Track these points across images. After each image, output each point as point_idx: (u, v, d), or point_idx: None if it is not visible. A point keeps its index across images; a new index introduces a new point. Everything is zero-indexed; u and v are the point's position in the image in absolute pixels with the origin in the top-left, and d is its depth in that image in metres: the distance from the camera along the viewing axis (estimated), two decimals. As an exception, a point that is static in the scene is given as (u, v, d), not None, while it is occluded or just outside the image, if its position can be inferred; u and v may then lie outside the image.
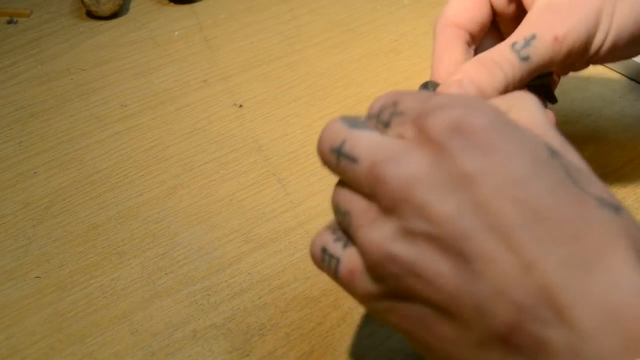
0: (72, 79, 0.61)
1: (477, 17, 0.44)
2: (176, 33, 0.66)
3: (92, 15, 0.67)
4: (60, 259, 0.46)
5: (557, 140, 0.31)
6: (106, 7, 0.66)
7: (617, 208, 0.29)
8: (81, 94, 0.59)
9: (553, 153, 0.29)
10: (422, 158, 0.29)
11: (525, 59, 0.40)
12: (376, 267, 0.30)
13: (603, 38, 0.41)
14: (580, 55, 0.41)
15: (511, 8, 0.45)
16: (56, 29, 0.67)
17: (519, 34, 0.41)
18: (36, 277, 0.45)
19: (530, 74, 0.41)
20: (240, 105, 0.58)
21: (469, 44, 0.44)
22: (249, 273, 0.45)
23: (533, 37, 0.40)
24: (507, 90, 0.40)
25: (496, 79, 0.39)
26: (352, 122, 0.33)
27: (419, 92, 0.33)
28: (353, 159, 0.31)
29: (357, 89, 0.59)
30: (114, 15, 0.68)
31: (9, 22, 0.68)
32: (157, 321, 0.43)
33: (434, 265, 0.28)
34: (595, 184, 0.30)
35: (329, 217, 0.48)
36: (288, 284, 0.45)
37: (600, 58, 0.42)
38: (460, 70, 0.40)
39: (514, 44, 0.40)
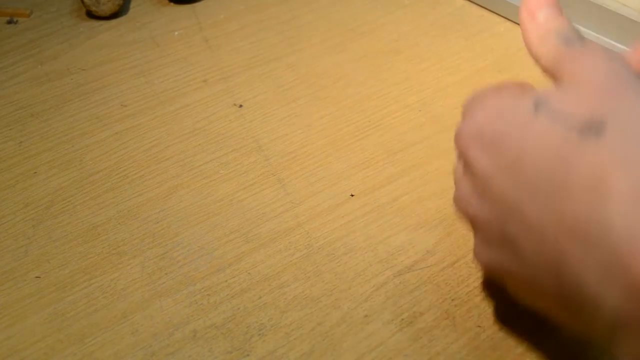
0: (72, 79, 0.61)
1: None
2: (176, 33, 0.66)
3: (92, 15, 0.67)
4: (60, 259, 0.46)
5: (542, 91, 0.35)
6: (106, 7, 0.66)
7: (598, 129, 0.31)
8: (81, 94, 0.59)
9: (538, 106, 0.34)
10: (465, 178, 0.38)
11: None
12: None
13: None
14: None
15: None
16: (56, 29, 0.67)
17: None
18: (36, 277, 0.45)
19: None
20: (240, 105, 0.58)
21: None
22: (249, 273, 0.45)
23: None
24: None
25: None
26: None
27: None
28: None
29: (357, 89, 0.59)
30: (114, 15, 0.68)
31: (9, 22, 0.68)
32: (157, 321, 0.43)
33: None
34: (581, 100, 0.33)
35: (329, 217, 0.48)
36: (288, 284, 0.44)
37: None
38: None
39: None
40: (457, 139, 0.38)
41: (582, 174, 0.31)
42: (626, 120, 0.31)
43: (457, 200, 0.39)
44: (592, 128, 0.31)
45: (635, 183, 0.29)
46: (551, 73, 0.37)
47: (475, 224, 0.38)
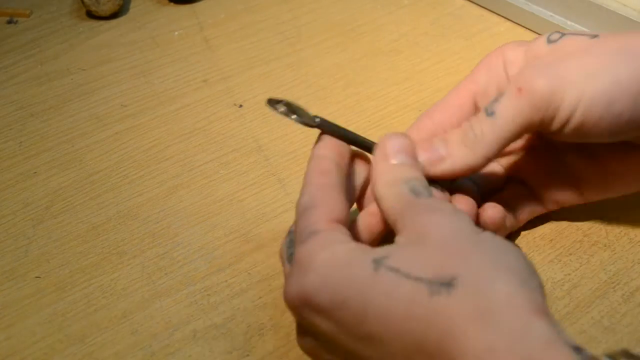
0: (72, 79, 0.61)
1: (455, 115, 0.44)
2: (176, 33, 0.66)
3: (92, 15, 0.67)
4: (60, 259, 0.46)
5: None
6: (106, 7, 0.66)
7: (449, 283, 0.31)
8: (81, 94, 0.59)
9: (378, 263, 0.33)
10: (305, 335, 0.36)
11: (490, 114, 0.39)
12: None
13: (570, 110, 0.38)
14: (546, 118, 0.39)
15: None
16: (56, 29, 0.67)
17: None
18: (36, 277, 0.45)
19: (501, 135, 0.39)
20: (240, 105, 0.58)
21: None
22: (249, 273, 0.45)
23: (501, 94, 0.40)
24: (476, 149, 0.40)
25: (467, 137, 0.40)
26: (290, 247, 0.39)
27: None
28: None
29: (357, 89, 0.59)
30: (114, 15, 0.68)
31: (9, 22, 0.68)
32: (157, 321, 0.43)
33: None
34: (430, 258, 0.32)
35: (329, 217, 0.48)
36: (288, 284, 0.44)
37: (572, 133, 0.39)
38: (448, 131, 0.42)
39: (485, 106, 0.40)
40: (288, 301, 0.35)
41: (436, 332, 0.30)
42: (477, 276, 0.31)
43: (305, 350, 0.38)
44: (443, 283, 0.31)
45: (488, 342, 0.29)
46: (392, 219, 0.36)
47: None
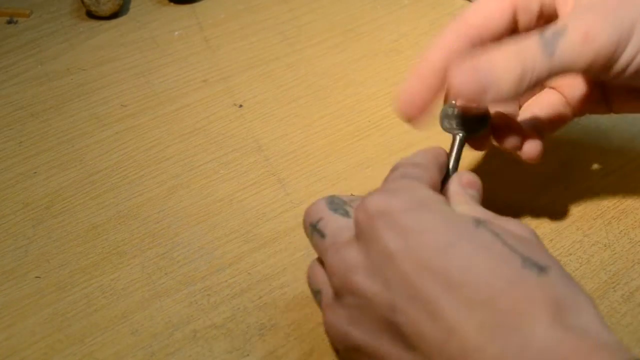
0: (72, 79, 0.61)
1: (494, 21, 0.42)
2: (176, 33, 0.66)
3: (92, 15, 0.67)
4: (60, 259, 0.46)
5: (486, 214, 0.37)
6: (106, 7, 0.66)
7: (542, 268, 0.32)
8: (81, 94, 0.59)
9: (479, 222, 0.34)
10: (356, 247, 0.35)
11: (550, 53, 0.38)
12: (335, 342, 0.37)
13: (634, 53, 0.38)
14: (606, 66, 0.39)
15: (539, 26, 0.43)
16: (56, 29, 0.67)
17: (551, 26, 0.38)
18: (36, 277, 0.45)
19: (552, 72, 0.38)
20: (240, 105, 0.58)
21: (475, 45, 0.42)
22: (249, 273, 0.45)
23: (564, 29, 0.38)
24: (523, 82, 0.38)
25: (514, 67, 0.38)
26: (334, 204, 0.39)
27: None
28: (322, 235, 0.38)
29: (357, 89, 0.59)
30: (114, 15, 0.68)
31: (9, 22, 0.68)
32: (157, 321, 0.43)
33: (381, 346, 0.34)
34: (526, 244, 0.34)
35: (329, 217, 0.48)
36: (288, 284, 0.44)
37: (627, 77, 0.39)
38: (485, 54, 0.39)
39: (542, 35, 0.38)
40: (365, 210, 0.35)
41: (515, 295, 0.31)
42: (565, 279, 0.33)
43: (336, 261, 0.36)
44: (536, 265, 0.32)
45: (565, 325, 0.30)
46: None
47: (350, 295, 0.35)
